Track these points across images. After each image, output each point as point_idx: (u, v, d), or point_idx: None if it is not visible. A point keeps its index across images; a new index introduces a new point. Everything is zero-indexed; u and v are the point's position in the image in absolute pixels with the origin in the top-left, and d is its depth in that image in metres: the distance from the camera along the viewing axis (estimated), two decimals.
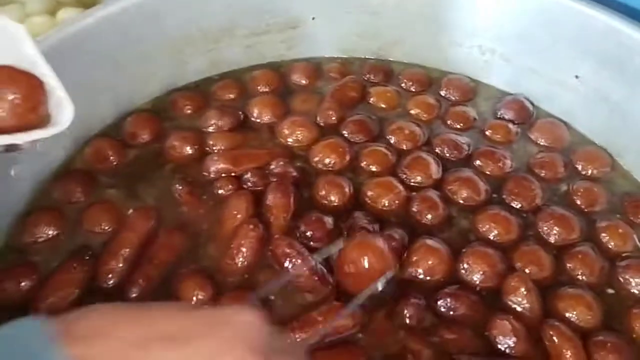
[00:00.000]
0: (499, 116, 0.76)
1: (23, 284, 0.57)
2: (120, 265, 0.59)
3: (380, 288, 0.54)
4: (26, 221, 0.62)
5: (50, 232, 0.62)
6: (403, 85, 0.80)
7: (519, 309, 0.57)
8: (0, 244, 0.60)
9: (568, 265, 0.61)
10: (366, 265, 0.55)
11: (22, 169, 0.62)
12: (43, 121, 0.42)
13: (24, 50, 0.42)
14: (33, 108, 0.40)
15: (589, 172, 0.70)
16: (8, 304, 0.56)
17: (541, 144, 0.73)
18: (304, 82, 0.81)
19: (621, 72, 0.67)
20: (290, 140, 0.72)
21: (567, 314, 0.57)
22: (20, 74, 0.41)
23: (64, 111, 0.42)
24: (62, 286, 0.57)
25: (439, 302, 0.57)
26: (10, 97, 0.39)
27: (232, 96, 0.78)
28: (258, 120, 0.75)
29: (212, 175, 0.68)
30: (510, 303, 0.57)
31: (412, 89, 0.80)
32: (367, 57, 0.83)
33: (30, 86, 0.40)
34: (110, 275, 0.58)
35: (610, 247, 0.63)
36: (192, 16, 0.74)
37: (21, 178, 0.63)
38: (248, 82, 0.80)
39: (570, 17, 0.68)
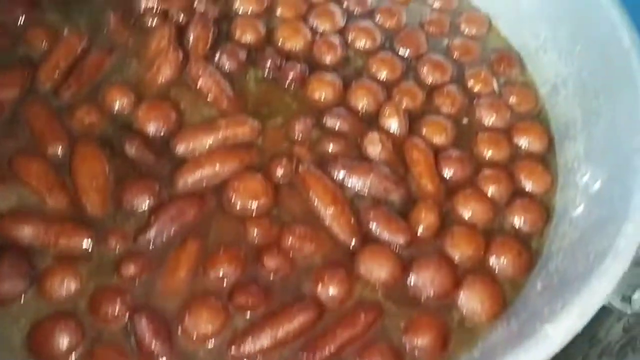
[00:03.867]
0: None
1: None
2: (56, 74, 0.68)
3: None
4: None
5: None
6: None
7: (389, 128, 0.70)
8: None
9: (436, 100, 0.73)
10: None
11: None
12: None
13: None
14: None
15: (469, 31, 0.81)
16: None
17: (434, 7, 0.84)
18: None
19: None
20: None
21: (426, 135, 0.70)
22: None
23: None
24: (5, 86, 0.66)
25: (326, 119, 0.70)
26: None
27: None
28: None
29: (141, 11, 0.77)
30: (384, 124, 0.70)
31: None
32: None
33: None
34: (47, 81, 0.68)
35: (473, 89, 0.75)
36: None
37: None
38: None
39: None
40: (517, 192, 0.67)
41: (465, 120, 0.73)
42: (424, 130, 0.70)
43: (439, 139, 0.70)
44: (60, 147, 0.63)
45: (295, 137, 0.68)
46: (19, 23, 0.73)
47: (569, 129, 0.69)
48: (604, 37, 0.65)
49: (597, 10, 0.66)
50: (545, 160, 0.70)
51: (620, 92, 0.60)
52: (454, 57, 0.78)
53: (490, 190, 0.66)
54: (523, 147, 0.71)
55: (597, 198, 0.59)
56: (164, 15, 0.76)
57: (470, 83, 0.76)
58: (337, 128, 0.69)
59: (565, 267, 0.55)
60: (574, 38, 0.70)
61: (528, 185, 0.68)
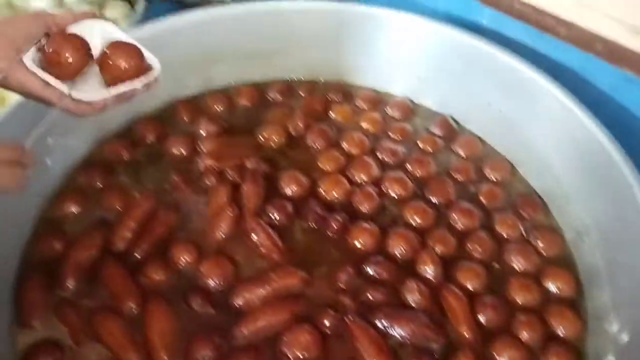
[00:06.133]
0: (430, 131, 0.95)
1: (55, 245, 0.77)
2: (129, 234, 0.78)
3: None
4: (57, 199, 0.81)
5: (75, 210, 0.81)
6: (358, 104, 0.99)
7: (426, 275, 0.76)
8: (36, 215, 0.80)
9: (468, 246, 0.80)
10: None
11: (54, 159, 0.82)
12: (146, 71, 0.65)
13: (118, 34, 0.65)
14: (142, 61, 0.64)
15: (494, 177, 0.89)
16: (44, 259, 0.76)
17: (460, 154, 0.92)
18: (279, 98, 1.00)
19: (521, 102, 0.86)
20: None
21: (460, 280, 0.76)
22: (127, 44, 0.64)
23: (154, 63, 0.66)
24: (84, 248, 0.76)
25: (367, 268, 0.77)
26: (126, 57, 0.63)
27: (220, 108, 0.97)
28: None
29: (201, 170, 0.87)
30: (420, 271, 0.77)
31: (365, 107, 0.99)
32: (330, 79, 1.02)
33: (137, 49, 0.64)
34: (121, 241, 0.77)
35: (501, 233, 0.82)
36: (192, 44, 0.93)
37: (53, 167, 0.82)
38: (233, 96, 0.99)
39: (478, 57, 0.88)
40: (550, 337, 0.71)
41: (496, 265, 0.79)
42: (458, 276, 0.76)
43: (473, 285, 0.75)
44: (133, 305, 0.71)
45: (340, 287, 0.75)
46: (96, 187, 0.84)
47: (594, 277, 0.74)
48: (621, 196, 0.70)
49: (612, 168, 0.72)
50: (576, 304, 0.74)
51: (638, 251, 0.65)
52: (482, 202, 0.85)
53: (525, 335, 0.71)
54: (553, 292, 0.75)
55: (626, 351, 0.62)
56: (221, 175, 0.86)
57: (499, 228, 0.82)
58: (377, 276, 0.76)
59: None
60: (593, 193, 0.77)
61: (560, 331, 0.72)
